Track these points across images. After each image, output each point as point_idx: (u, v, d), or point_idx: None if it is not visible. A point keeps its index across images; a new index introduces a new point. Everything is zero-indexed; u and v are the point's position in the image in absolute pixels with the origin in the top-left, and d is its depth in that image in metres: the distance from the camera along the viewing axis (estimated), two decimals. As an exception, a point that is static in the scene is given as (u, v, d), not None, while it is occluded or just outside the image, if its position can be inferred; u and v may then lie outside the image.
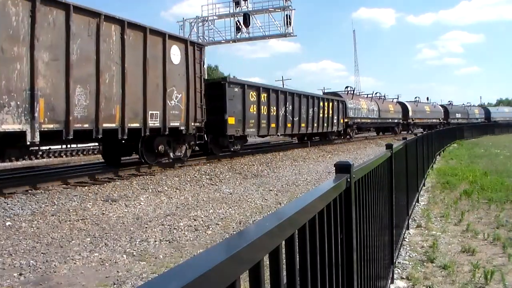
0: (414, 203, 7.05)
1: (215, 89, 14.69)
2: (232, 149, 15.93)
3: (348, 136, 28.78)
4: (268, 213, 7.06)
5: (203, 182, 10.84)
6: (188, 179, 11.04)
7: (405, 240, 5.31)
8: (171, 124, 12.02)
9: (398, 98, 40.43)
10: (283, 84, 55.03)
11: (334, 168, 2.01)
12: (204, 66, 14.36)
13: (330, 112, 24.61)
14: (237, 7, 30.24)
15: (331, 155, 18.81)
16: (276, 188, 10.12)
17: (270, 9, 29.92)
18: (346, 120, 27.34)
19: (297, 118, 20.65)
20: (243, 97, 15.90)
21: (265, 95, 17.69)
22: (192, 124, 13.01)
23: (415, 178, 7.09)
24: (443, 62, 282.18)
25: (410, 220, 6.06)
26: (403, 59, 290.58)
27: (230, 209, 7.71)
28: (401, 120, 37.73)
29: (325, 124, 24.09)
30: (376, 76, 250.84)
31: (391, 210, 3.87)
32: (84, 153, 20.04)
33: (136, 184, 10.02)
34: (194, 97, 13.10)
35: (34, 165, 15.18)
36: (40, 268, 4.62)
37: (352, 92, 30.72)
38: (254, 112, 16.84)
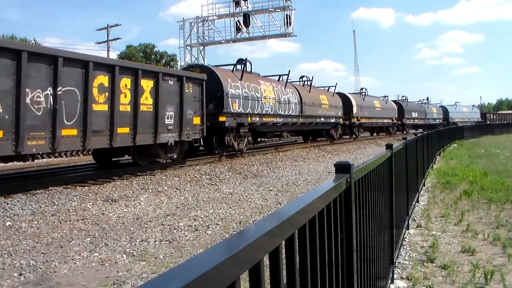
0: (414, 203, 7.05)
1: None
2: None
3: (231, 150, 15.64)
4: (268, 213, 7.07)
5: (203, 182, 10.84)
6: (188, 179, 11.04)
7: (405, 240, 5.31)
8: None
9: (336, 87, 26.64)
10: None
11: (334, 168, 2.01)
12: None
13: (152, 101, 11.30)
14: (237, 7, 30.28)
15: (331, 155, 18.80)
16: (276, 188, 10.11)
17: (270, 9, 29.96)
18: (222, 118, 14.60)
19: None
20: None
21: None
22: None
23: (415, 178, 7.09)
24: (442, 62, 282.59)
25: (410, 220, 6.06)
26: (402, 59, 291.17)
27: (230, 209, 7.71)
28: (340, 120, 26.01)
29: (126, 131, 10.49)
30: (375, 76, 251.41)
31: (391, 210, 3.87)
32: (84, 153, 19.99)
33: (136, 184, 10.03)
34: None
35: (34, 165, 15.17)
36: (40, 268, 4.62)
37: (242, 67, 17.04)
38: None
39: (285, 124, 19.87)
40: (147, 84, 11.19)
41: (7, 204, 7.61)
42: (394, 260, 4.11)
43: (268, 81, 19.04)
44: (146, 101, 11.20)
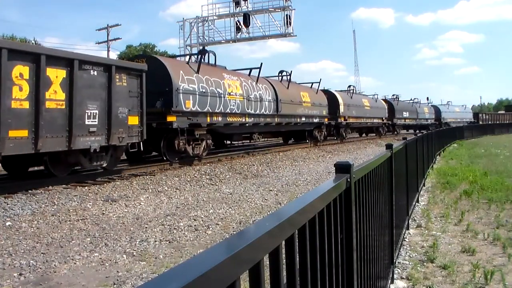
0: (414, 203, 7.05)
1: None
2: None
3: (183, 156, 13.46)
4: (268, 213, 7.07)
5: (203, 182, 10.84)
6: (188, 179, 11.04)
7: (405, 240, 5.31)
8: None
9: (319, 84, 23.60)
10: None
11: (334, 168, 2.01)
12: None
13: (65, 96, 8.91)
14: (237, 7, 30.27)
15: (331, 155, 18.80)
16: (276, 188, 10.12)
17: (270, 9, 29.94)
18: (171, 118, 12.28)
19: None
20: None
21: None
22: None
23: (415, 178, 7.09)
24: (442, 62, 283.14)
25: (410, 220, 6.06)
26: (402, 59, 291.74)
27: (230, 209, 7.71)
28: (325, 120, 23.42)
29: (24, 134, 8.13)
30: (375, 76, 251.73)
31: (391, 210, 3.87)
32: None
33: (136, 184, 10.03)
34: None
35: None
36: (40, 268, 4.62)
37: (200, 58, 14.15)
38: None
39: (256, 125, 17.07)
40: (56, 74, 8.66)
41: (7, 204, 7.61)
42: (394, 260, 4.11)
43: (235, 75, 16.14)
44: (56, 96, 8.67)
